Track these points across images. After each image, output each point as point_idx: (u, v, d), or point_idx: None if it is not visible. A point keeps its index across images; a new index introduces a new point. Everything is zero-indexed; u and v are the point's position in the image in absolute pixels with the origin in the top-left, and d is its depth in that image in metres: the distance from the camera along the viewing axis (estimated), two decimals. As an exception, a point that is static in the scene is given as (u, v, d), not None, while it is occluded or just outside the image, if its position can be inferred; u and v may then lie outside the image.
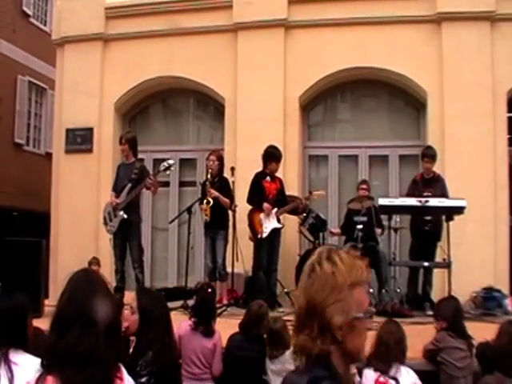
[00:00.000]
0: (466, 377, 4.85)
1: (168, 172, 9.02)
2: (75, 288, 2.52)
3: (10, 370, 3.53)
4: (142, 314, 4.00)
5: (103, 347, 2.36)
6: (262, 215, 8.81)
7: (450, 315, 5.15)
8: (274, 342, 5.23)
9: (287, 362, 5.08)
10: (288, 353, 5.14)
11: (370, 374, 4.60)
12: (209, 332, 5.30)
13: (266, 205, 8.83)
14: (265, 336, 5.44)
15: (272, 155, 9.07)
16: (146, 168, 9.36)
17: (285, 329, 5.31)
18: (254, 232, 8.87)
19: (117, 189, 9.13)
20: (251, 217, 8.93)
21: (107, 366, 2.37)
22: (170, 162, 8.85)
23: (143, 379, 3.80)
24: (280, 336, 5.22)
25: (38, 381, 2.34)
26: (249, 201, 9.00)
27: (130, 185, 8.85)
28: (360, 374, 4.76)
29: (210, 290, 5.71)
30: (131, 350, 3.99)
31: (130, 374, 3.50)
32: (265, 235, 8.80)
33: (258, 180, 9.00)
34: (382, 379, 4.55)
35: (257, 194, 8.93)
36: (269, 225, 8.84)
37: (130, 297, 8.83)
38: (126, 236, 8.97)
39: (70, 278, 2.59)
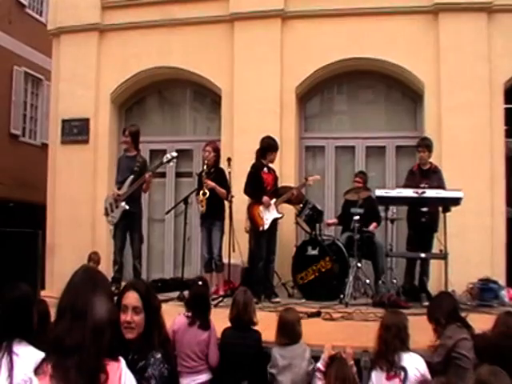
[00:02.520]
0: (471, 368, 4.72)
1: (171, 164, 9.21)
2: (74, 281, 2.61)
3: (11, 362, 3.55)
4: (147, 309, 3.70)
5: (89, 341, 2.40)
6: (261, 207, 8.80)
7: (446, 312, 5.06)
8: (285, 332, 5.21)
9: (297, 357, 5.08)
10: (297, 347, 5.14)
11: (377, 376, 4.60)
12: (206, 325, 5.28)
13: (265, 198, 8.83)
14: (256, 327, 5.43)
15: (272, 146, 9.08)
16: (146, 162, 9.43)
17: (298, 321, 5.31)
18: (255, 225, 8.84)
19: (119, 181, 9.21)
20: (251, 210, 8.90)
21: (91, 361, 2.41)
22: (174, 154, 9.01)
23: (166, 373, 3.64)
24: (292, 327, 5.21)
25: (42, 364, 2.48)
26: (248, 193, 8.96)
27: (132, 177, 8.93)
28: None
29: (201, 283, 5.65)
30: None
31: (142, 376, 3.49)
32: (266, 227, 8.80)
33: (257, 172, 8.98)
34: (391, 373, 4.55)
35: (256, 186, 8.90)
36: (269, 216, 8.84)
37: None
38: (128, 227, 9.08)
39: (74, 272, 2.68)
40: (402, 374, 4.48)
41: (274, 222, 8.96)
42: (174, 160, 9.05)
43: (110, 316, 2.59)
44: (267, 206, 8.83)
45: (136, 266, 9.04)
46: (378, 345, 4.71)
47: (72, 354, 2.39)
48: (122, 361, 2.60)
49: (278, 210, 9.03)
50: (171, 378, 3.82)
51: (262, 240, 8.85)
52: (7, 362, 3.55)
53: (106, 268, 10.62)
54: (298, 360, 5.05)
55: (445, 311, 5.07)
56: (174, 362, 4.06)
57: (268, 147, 9.04)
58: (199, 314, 5.31)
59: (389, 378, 4.53)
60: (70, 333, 2.42)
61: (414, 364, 4.54)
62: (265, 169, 9.02)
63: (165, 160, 8.95)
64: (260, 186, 8.91)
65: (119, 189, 9.05)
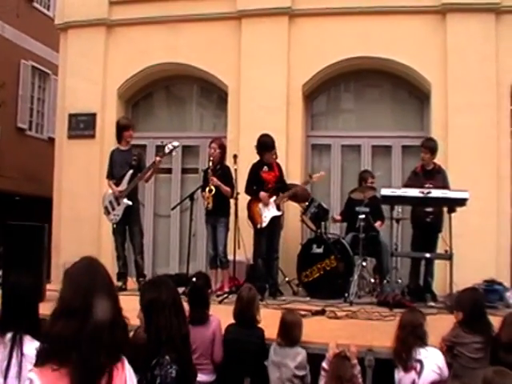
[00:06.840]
0: (479, 368, 4.68)
1: (174, 153, 9.09)
2: (73, 276, 2.59)
3: (21, 363, 3.56)
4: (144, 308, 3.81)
5: (88, 337, 2.39)
6: (260, 205, 8.80)
7: (467, 307, 5.03)
8: (283, 333, 5.20)
9: (287, 357, 5.08)
10: (291, 349, 5.13)
11: (398, 372, 4.68)
12: (201, 319, 5.25)
13: (262, 194, 8.81)
14: (260, 324, 5.43)
15: (264, 146, 8.94)
16: (143, 154, 9.37)
17: (297, 324, 5.27)
18: (253, 222, 8.86)
19: (114, 176, 9.16)
20: (250, 207, 8.91)
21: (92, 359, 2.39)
22: (175, 143, 8.89)
23: (174, 373, 3.61)
24: (289, 330, 5.19)
25: None
26: (247, 191, 8.99)
27: (131, 171, 8.88)
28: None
29: (197, 278, 5.65)
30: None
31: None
32: (264, 225, 8.78)
33: (255, 171, 8.96)
34: (408, 365, 4.62)
35: (255, 185, 8.91)
36: (268, 214, 8.82)
37: (131, 282, 8.97)
38: (127, 222, 9.03)
39: (73, 264, 2.66)
40: (419, 366, 4.54)
41: (274, 219, 8.92)
42: (177, 149, 9.03)
43: (111, 315, 2.54)
44: (266, 204, 8.81)
45: (138, 262, 9.06)
46: (395, 343, 4.77)
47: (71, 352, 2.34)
48: (125, 360, 2.57)
49: (279, 208, 9.01)
50: (183, 379, 3.72)
51: (261, 237, 8.84)
52: (17, 363, 3.57)
53: (110, 263, 10.71)
54: (288, 360, 5.04)
55: (467, 308, 5.04)
56: (188, 363, 3.95)
57: (260, 147, 8.97)
58: (195, 307, 5.27)
59: (405, 371, 4.59)
60: (69, 330, 2.37)
61: (431, 358, 4.60)
62: (264, 167, 8.95)
63: (167, 150, 8.86)
64: (259, 184, 8.89)
65: (117, 185, 9.01)
